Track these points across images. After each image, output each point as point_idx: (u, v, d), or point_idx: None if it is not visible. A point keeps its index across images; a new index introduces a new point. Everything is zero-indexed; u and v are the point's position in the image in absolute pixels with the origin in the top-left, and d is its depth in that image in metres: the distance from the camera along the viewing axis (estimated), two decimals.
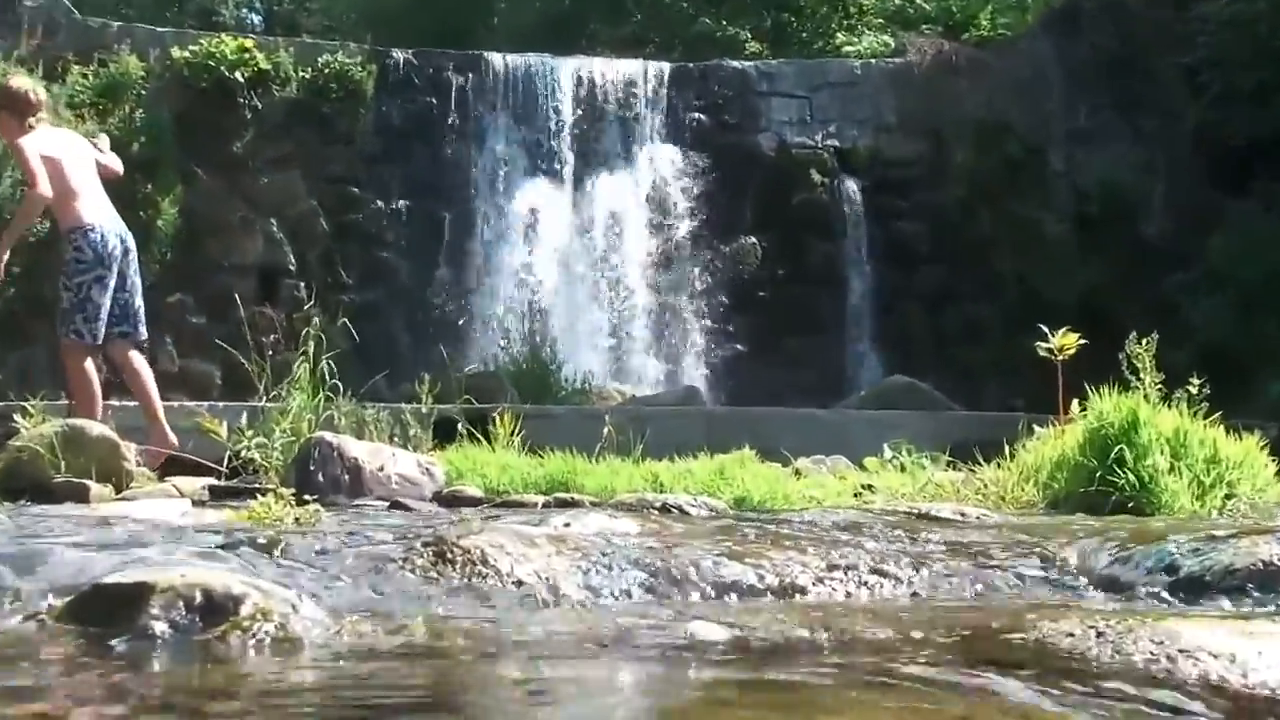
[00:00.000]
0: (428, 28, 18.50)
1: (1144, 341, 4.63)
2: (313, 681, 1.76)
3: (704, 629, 2.05)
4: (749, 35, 18.39)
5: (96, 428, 4.87)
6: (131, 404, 6.56)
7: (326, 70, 13.59)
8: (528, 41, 17.01)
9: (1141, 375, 4.54)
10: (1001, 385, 11.83)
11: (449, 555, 2.42)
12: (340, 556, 2.47)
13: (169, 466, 5.64)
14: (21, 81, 6.55)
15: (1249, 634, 1.84)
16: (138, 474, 4.99)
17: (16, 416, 5.28)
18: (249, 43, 13.65)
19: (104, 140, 6.94)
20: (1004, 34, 15.88)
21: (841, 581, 2.53)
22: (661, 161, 14.02)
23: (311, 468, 4.52)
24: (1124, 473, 3.98)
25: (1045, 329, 4.80)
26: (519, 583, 2.36)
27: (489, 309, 13.37)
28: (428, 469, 4.75)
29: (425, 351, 11.13)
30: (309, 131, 13.46)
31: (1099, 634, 1.86)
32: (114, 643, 1.87)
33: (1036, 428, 4.82)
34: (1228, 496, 4.08)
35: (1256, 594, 2.34)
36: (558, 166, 14.00)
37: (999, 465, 4.69)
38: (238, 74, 13.16)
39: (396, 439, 5.44)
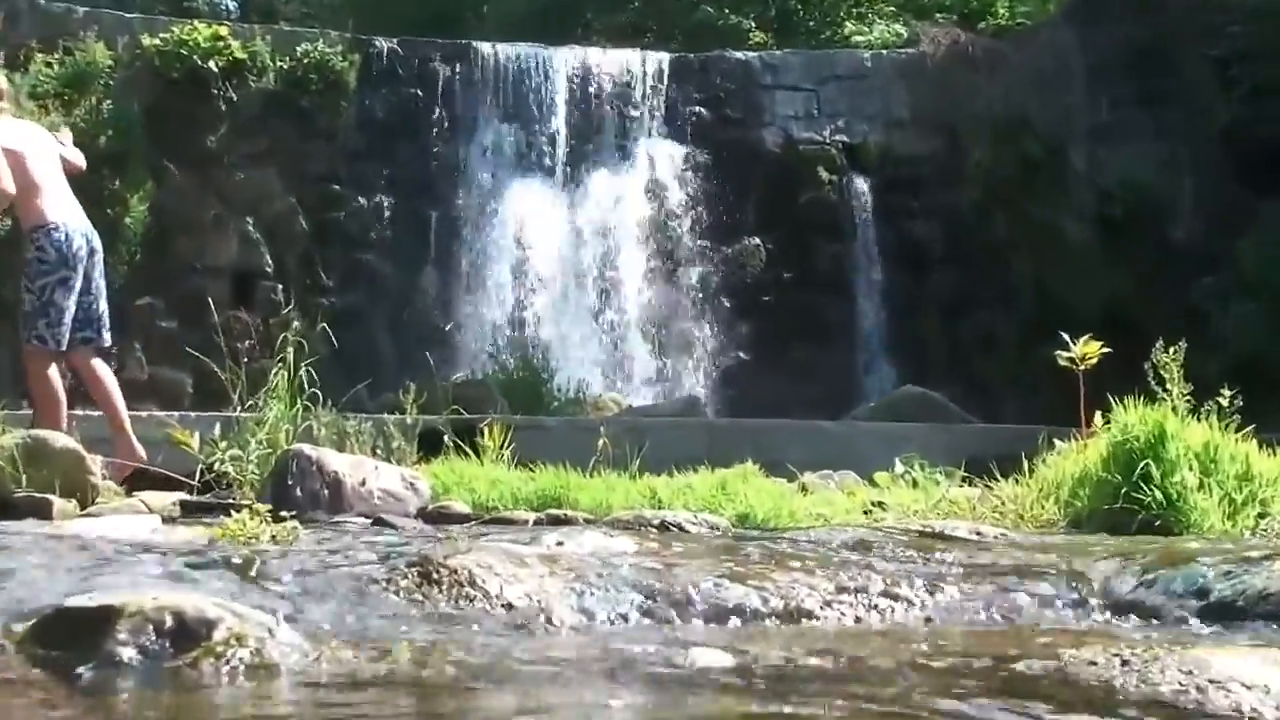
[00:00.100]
0: (413, 15, 18.57)
1: (1171, 350, 4.63)
2: (290, 712, 1.76)
3: (706, 656, 2.04)
4: (752, 24, 18.43)
5: (61, 439, 4.86)
6: (98, 414, 6.55)
7: (306, 60, 13.59)
8: (519, 30, 17.03)
9: (1168, 386, 4.54)
10: (1019, 396, 11.83)
11: (435, 576, 2.42)
12: (320, 577, 2.47)
13: (137, 480, 5.62)
14: None
15: None
16: (104, 488, 4.98)
17: None
18: (223, 30, 13.66)
19: (66, 133, 6.93)
20: (1023, 23, 15.92)
21: (851, 605, 2.53)
22: (660, 158, 14.03)
23: (289, 482, 4.51)
24: (1150, 490, 3.98)
25: (1066, 337, 4.81)
26: (509, 605, 2.36)
27: (477, 314, 13.37)
28: (412, 483, 4.75)
29: (410, 359, 11.12)
30: (287, 125, 13.45)
31: (1124, 662, 1.86)
32: (79, 670, 1.86)
33: (1057, 442, 4.82)
34: (1261, 515, 4.07)
35: None
36: (550, 163, 14.00)
37: (1017, 481, 4.69)
38: (211, 63, 13.16)
39: (379, 451, 5.43)
